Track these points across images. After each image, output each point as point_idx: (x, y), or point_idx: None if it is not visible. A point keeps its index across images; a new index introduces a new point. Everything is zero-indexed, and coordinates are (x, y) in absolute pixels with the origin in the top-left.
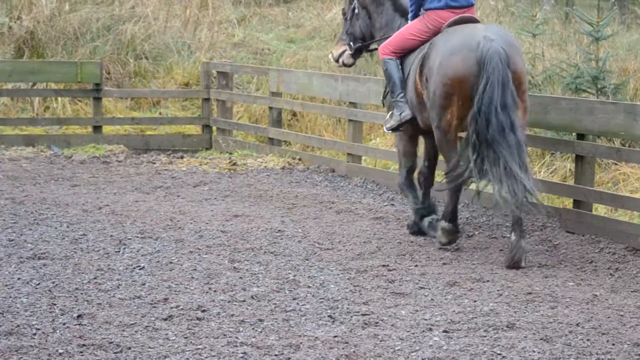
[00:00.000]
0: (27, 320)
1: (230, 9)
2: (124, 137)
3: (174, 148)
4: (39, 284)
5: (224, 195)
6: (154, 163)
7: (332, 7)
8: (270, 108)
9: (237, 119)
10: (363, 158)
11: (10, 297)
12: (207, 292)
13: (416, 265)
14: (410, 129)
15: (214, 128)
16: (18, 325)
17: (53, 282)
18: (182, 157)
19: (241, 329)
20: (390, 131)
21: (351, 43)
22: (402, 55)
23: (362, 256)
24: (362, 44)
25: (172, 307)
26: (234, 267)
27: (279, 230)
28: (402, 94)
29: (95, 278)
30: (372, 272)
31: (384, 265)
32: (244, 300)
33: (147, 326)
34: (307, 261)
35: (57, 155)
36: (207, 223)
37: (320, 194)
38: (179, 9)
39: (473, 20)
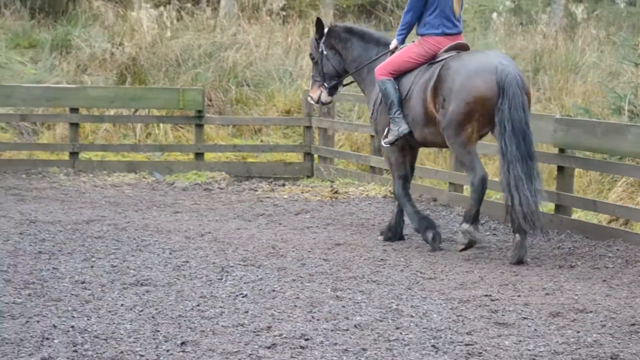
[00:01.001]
0: (130, 347)
1: None
2: (225, 164)
3: (275, 176)
4: (142, 310)
5: (326, 224)
6: (256, 190)
7: None
8: (372, 136)
9: (338, 147)
10: (465, 187)
11: (113, 323)
12: (310, 321)
13: (519, 295)
14: (401, 142)
15: (316, 156)
16: (122, 352)
17: (156, 309)
18: (283, 185)
19: (344, 358)
20: (387, 145)
21: (325, 83)
22: (397, 76)
23: (464, 285)
24: (336, 81)
25: (275, 336)
26: (337, 296)
27: (381, 259)
28: (399, 111)
29: (198, 305)
30: (474, 301)
31: (486, 295)
32: (347, 329)
33: (250, 354)
34: (409, 290)
35: (159, 181)
36: (310, 251)
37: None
38: (280, 37)
39: (466, 47)
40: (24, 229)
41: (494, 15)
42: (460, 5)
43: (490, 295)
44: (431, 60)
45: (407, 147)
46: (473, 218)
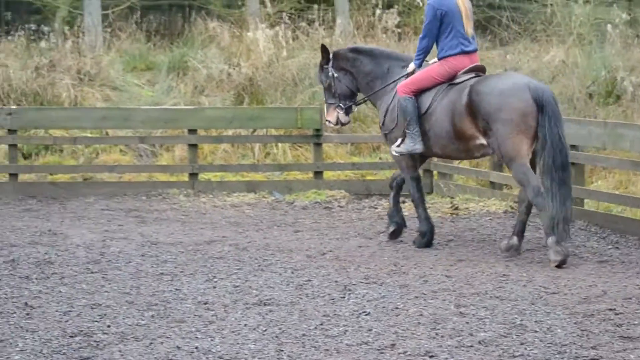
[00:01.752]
0: None
1: None
2: (345, 182)
3: None
4: (265, 330)
5: (447, 240)
6: (376, 208)
7: (549, 49)
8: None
9: (457, 163)
10: (585, 201)
11: (237, 343)
12: (434, 338)
13: None
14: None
15: (435, 172)
16: None
17: (279, 329)
18: (403, 202)
19: None
20: (397, 154)
21: (341, 104)
22: (417, 94)
23: (588, 300)
24: (352, 101)
25: (399, 353)
26: (460, 312)
27: (503, 275)
28: (417, 129)
29: (321, 324)
30: (599, 315)
31: (610, 309)
32: (472, 346)
33: None
34: (533, 305)
35: (279, 201)
36: (432, 268)
37: (543, 238)
38: None
39: (484, 69)
40: (146, 250)
41: (609, 27)
42: (471, 25)
43: (615, 309)
44: (450, 79)
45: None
46: (552, 228)
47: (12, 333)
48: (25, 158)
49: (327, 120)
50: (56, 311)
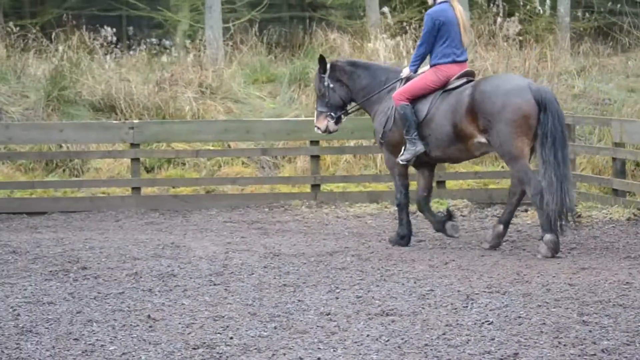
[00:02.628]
0: None
1: (569, 60)
2: (467, 191)
3: None
4: (388, 340)
5: (570, 248)
6: (499, 217)
7: None
8: (614, 159)
9: (579, 171)
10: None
11: (359, 354)
12: (556, 347)
13: None
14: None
15: None
16: None
17: (402, 339)
18: (526, 211)
19: None
20: (405, 162)
21: (332, 113)
22: (412, 100)
23: None
24: (343, 111)
25: None
26: (583, 321)
27: (626, 282)
28: (415, 133)
29: (444, 334)
30: None
31: None
32: (594, 354)
33: None
34: None
35: None
36: (554, 276)
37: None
38: (518, 62)
39: (473, 74)
40: (268, 262)
41: None
42: (467, 35)
43: None
44: (443, 86)
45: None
46: (550, 226)
47: (135, 346)
48: (147, 172)
49: (316, 127)
50: (179, 323)
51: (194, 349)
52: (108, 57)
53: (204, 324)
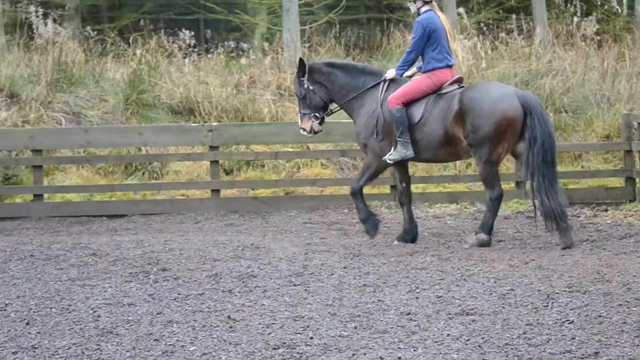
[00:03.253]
0: None
1: None
2: None
3: (597, 201)
4: (468, 340)
5: None
6: (578, 217)
7: None
8: None
9: None
10: None
11: (440, 353)
12: (637, 346)
13: None
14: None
15: (638, 180)
16: None
17: (482, 338)
18: (606, 210)
19: None
20: (391, 161)
21: (316, 114)
22: (407, 104)
23: None
24: (326, 112)
25: None
26: None
27: None
28: (408, 136)
29: (524, 333)
30: None
31: None
32: None
33: None
34: None
35: (481, 211)
36: (635, 275)
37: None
38: (596, 61)
39: (462, 80)
40: (348, 262)
41: None
42: (451, 42)
43: None
44: (436, 91)
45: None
46: (490, 229)
47: (215, 346)
48: (227, 174)
49: (301, 128)
50: (259, 324)
51: (274, 349)
52: (186, 60)
53: (284, 324)
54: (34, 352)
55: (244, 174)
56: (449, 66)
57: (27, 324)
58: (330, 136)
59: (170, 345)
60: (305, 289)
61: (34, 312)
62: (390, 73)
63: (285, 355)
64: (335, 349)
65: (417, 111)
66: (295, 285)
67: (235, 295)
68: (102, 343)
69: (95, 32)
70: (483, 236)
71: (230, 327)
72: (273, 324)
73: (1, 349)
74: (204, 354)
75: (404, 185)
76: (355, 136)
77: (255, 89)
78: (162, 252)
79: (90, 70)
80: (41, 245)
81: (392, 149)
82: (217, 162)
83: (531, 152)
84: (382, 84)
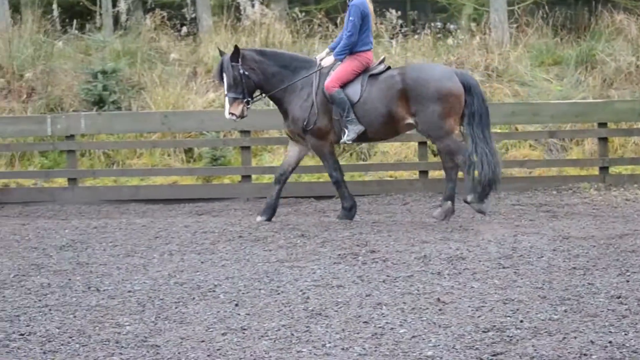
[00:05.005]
0: None
1: None
2: None
3: None
4: None
5: None
6: None
7: None
8: None
9: None
10: None
11: None
12: None
13: None
14: (332, 137)
15: None
16: None
17: None
18: None
19: None
20: (350, 142)
21: (248, 99)
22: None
23: None
24: (257, 96)
25: None
26: None
27: None
28: (353, 114)
29: None
30: None
31: None
32: None
33: None
34: None
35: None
36: None
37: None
38: None
39: (384, 61)
40: (557, 245)
41: None
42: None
43: None
44: (364, 71)
45: (333, 141)
46: (476, 190)
47: (425, 329)
48: (434, 155)
49: (231, 113)
50: (468, 306)
51: (484, 332)
52: (393, 41)
53: (493, 307)
54: (243, 333)
55: None
56: (371, 49)
57: (236, 305)
58: (538, 117)
59: (379, 327)
60: (515, 272)
61: (242, 293)
62: (329, 60)
63: (495, 338)
64: (546, 332)
65: (355, 91)
66: (504, 267)
67: (444, 278)
68: (311, 325)
69: (303, 14)
70: (471, 197)
71: (440, 309)
72: (482, 306)
73: (210, 330)
74: (413, 336)
75: (290, 169)
76: (291, 124)
77: (463, 69)
78: (370, 234)
79: (297, 51)
80: (249, 227)
81: (345, 130)
82: (424, 143)
83: (471, 128)
84: (318, 72)
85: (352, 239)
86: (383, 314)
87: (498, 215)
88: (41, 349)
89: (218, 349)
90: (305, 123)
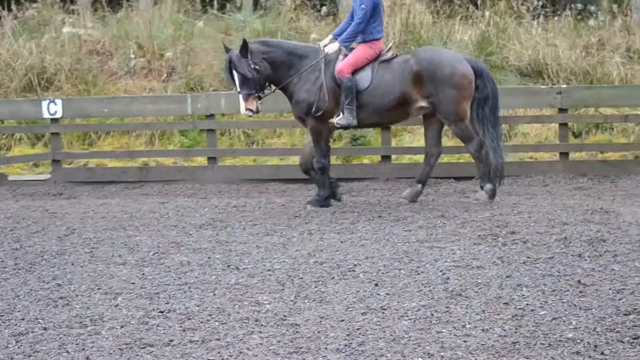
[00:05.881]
0: None
1: None
2: None
3: None
4: None
5: None
6: None
7: None
8: None
9: None
10: None
11: None
12: None
13: None
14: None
15: None
16: None
17: None
18: None
19: None
20: (339, 126)
21: (260, 94)
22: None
23: None
24: (264, 92)
25: None
26: None
27: None
28: (354, 104)
29: None
30: None
31: None
32: None
33: None
34: None
35: None
36: None
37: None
38: None
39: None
40: None
41: None
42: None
43: None
44: (375, 59)
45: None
46: (492, 178)
47: (566, 311)
48: (575, 137)
49: (248, 109)
50: (609, 289)
51: (625, 314)
52: (534, 22)
53: (634, 290)
54: (383, 313)
55: (592, 137)
56: (382, 38)
57: (376, 285)
58: None
59: (519, 309)
60: None
61: (382, 273)
62: (334, 46)
63: (636, 321)
64: None
65: (365, 78)
66: None
67: (585, 260)
68: (451, 305)
69: None
70: (489, 185)
71: (580, 291)
72: (623, 289)
73: (350, 309)
74: (554, 318)
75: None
76: (295, 107)
77: (604, 51)
78: (510, 215)
79: (438, 32)
80: (389, 207)
81: (340, 113)
82: (565, 124)
83: (484, 112)
84: (324, 59)
85: (492, 220)
86: (523, 295)
87: (638, 198)
88: (180, 327)
89: (358, 329)
90: (314, 108)
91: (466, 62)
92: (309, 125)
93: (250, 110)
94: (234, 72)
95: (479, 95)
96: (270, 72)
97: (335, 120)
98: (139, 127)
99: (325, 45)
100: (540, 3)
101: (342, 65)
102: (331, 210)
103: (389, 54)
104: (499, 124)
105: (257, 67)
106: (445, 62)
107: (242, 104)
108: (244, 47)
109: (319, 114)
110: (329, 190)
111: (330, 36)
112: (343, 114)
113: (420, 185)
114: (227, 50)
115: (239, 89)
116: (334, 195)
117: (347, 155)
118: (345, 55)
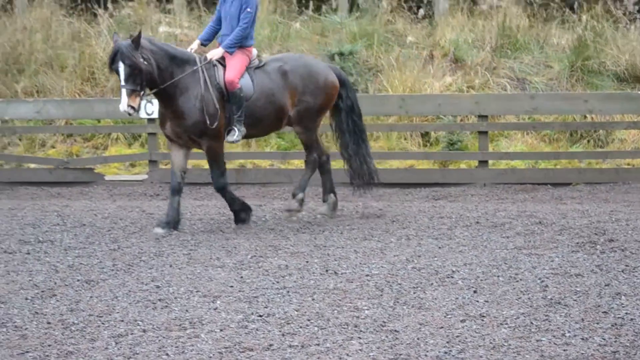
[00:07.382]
0: None
1: None
2: None
3: None
4: None
5: None
6: None
7: None
8: None
9: None
10: None
11: None
12: None
13: None
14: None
15: None
16: None
17: None
18: None
19: None
20: (237, 142)
21: (142, 92)
22: None
23: None
24: (146, 93)
25: None
26: None
27: None
28: (243, 114)
29: None
30: None
31: None
32: None
33: None
34: None
35: None
36: None
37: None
38: None
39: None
40: None
41: None
42: None
43: None
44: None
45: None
46: (304, 188)
47: None
48: None
49: (130, 106)
50: None
51: None
52: (632, 26)
53: None
54: (482, 320)
55: None
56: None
57: (475, 292)
58: None
59: (619, 317)
60: None
61: (481, 280)
62: (217, 53)
63: None
64: None
65: (248, 86)
66: None
67: None
68: (550, 314)
69: None
70: (301, 195)
71: None
72: None
73: (449, 316)
74: None
75: (184, 174)
76: (188, 127)
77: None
78: (608, 223)
79: (534, 36)
80: (486, 213)
81: (234, 129)
82: None
83: (350, 120)
84: (207, 66)
85: (589, 228)
86: (622, 304)
87: None
88: (280, 331)
89: (457, 336)
90: (209, 122)
91: (331, 72)
92: (205, 145)
93: (132, 107)
94: (120, 64)
95: (345, 103)
96: (153, 72)
97: (232, 138)
98: None
99: (203, 53)
100: (637, 7)
101: (231, 75)
102: (428, 215)
103: (258, 60)
104: (364, 132)
105: (145, 63)
106: (319, 71)
107: (124, 100)
108: (138, 39)
109: (213, 126)
110: (243, 204)
111: (197, 40)
112: (236, 128)
113: (333, 195)
114: (116, 39)
115: (123, 83)
116: (178, 222)
117: (444, 160)
118: (220, 64)
